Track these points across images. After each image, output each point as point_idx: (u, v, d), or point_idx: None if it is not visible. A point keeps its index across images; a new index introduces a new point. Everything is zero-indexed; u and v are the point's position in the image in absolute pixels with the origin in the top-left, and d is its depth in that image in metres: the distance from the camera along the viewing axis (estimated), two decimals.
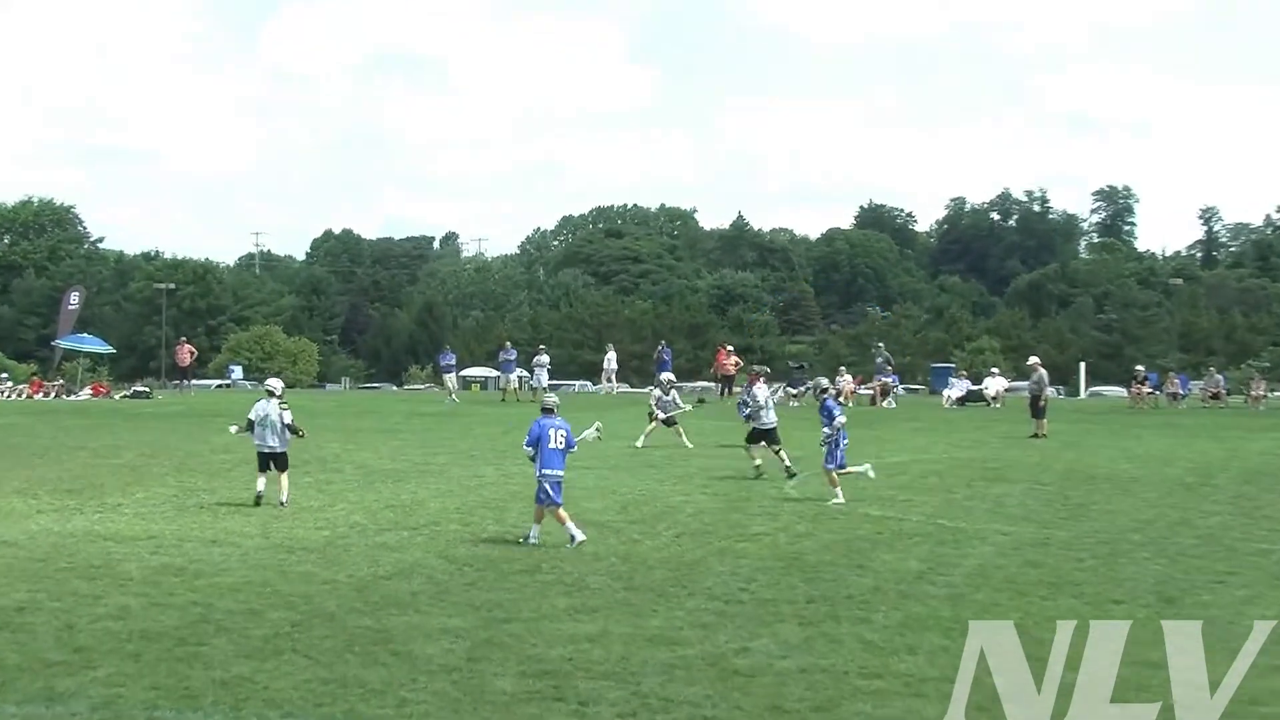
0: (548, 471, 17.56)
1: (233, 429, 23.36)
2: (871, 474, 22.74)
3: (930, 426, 39.00)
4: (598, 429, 22.03)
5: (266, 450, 21.61)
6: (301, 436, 22.88)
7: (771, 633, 12.37)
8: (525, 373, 52.34)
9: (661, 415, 31.62)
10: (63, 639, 11.98)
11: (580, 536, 17.37)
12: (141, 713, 9.82)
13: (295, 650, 11.59)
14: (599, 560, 16.36)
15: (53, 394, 58.60)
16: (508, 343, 55.66)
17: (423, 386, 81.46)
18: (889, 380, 53.34)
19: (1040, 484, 24.46)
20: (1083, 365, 73.41)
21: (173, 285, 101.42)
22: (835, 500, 21.64)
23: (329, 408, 48.73)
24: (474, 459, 28.40)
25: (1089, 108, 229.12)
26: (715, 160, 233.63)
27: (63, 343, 67.79)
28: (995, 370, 58.17)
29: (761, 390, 25.85)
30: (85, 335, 71.43)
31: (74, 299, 71.69)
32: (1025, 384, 41.83)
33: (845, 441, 22.53)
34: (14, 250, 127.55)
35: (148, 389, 60.94)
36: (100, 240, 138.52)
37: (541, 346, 56.32)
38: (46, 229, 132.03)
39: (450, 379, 54.94)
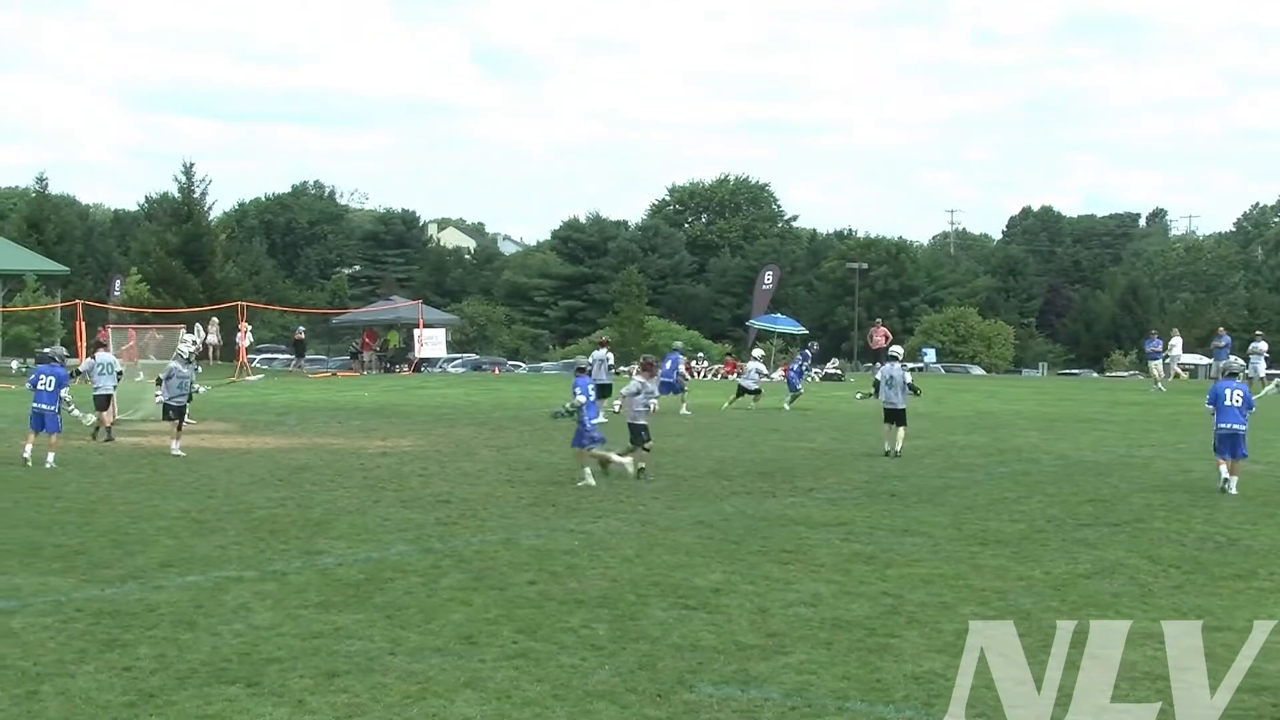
0: (1224, 426, 21.60)
1: (857, 396, 28.90)
2: (592, 481, 21.92)
3: None
4: None
5: (891, 407, 26.72)
6: (918, 394, 27.41)
7: None
8: (1240, 361, 49.90)
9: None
10: (756, 623, 12.56)
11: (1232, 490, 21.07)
12: (832, 702, 10.14)
13: (989, 648, 11.62)
14: None
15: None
16: (1221, 329, 53.57)
17: (1126, 374, 79.49)
18: None
19: None
20: None
21: (865, 265, 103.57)
22: (584, 481, 21.88)
23: (1023, 394, 48.57)
24: (1180, 451, 27.49)
25: None
26: None
27: (756, 323, 71.07)
28: None
29: (638, 382, 23.63)
30: (778, 315, 74.58)
31: (768, 278, 75.05)
32: None
33: (594, 419, 22.32)
34: (710, 229, 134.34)
35: (839, 370, 62.77)
36: (794, 218, 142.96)
37: (1258, 333, 53.73)
38: (742, 207, 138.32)
39: (1156, 366, 53.40)
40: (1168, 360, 53.49)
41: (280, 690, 10.28)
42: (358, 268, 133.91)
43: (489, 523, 18.33)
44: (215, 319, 61.17)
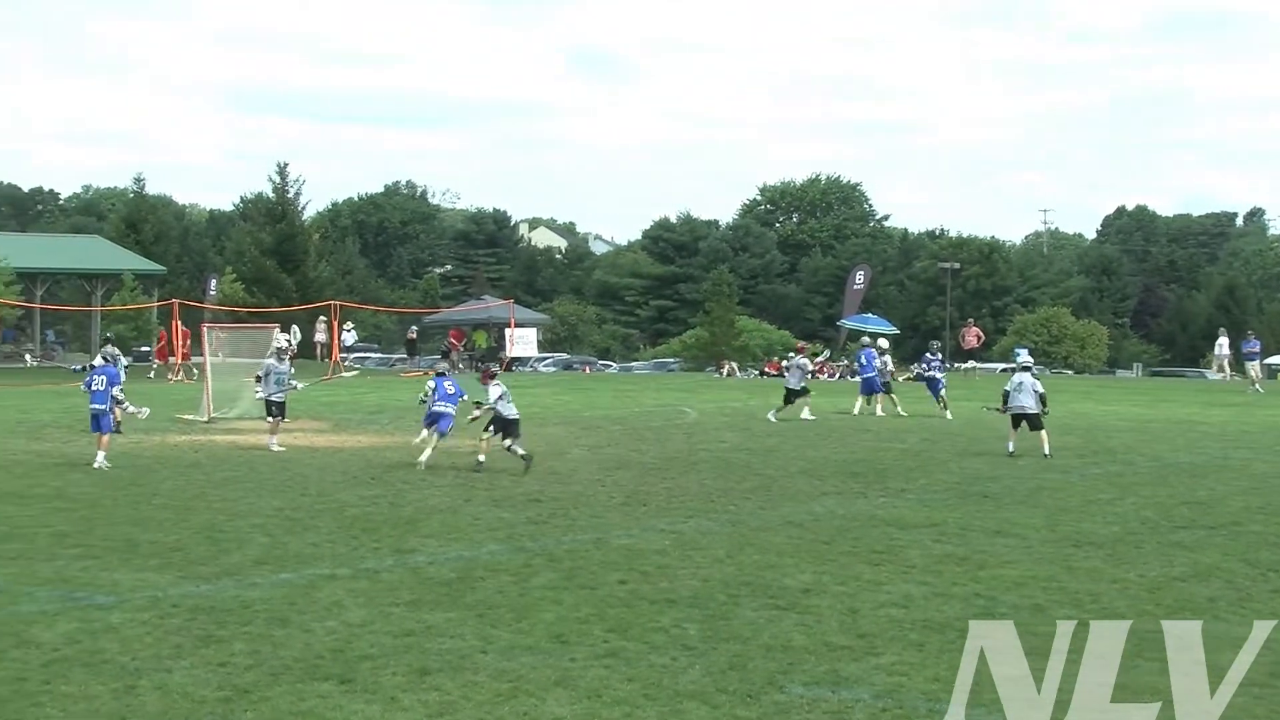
0: None
1: (988, 409, 28.74)
2: (104, 465, 23.59)
3: None
4: None
5: (1021, 412, 26.42)
6: (1046, 410, 26.99)
7: None
8: None
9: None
10: (846, 624, 12.52)
11: None
12: (924, 704, 10.09)
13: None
14: None
15: (836, 375, 61.32)
16: None
17: (1221, 375, 78.55)
18: None
19: None
20: None
21: (957, 265, 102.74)
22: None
23: (1118, 394, 48.06)
24: (1276, 454, 27.09)
25: None
26: None
27: (848, 323, 70.76)
28: None
29: (494, 390, 23.90)
30: (869, 315, 74.25)
31: (859, 278, 74.75)
32: None
33: (442, 401, 24.59)
34: (801, 229, 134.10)
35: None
36: (886, 218, 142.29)
37: None
38: (833, 207, 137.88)
39: (1254, 367, 52.69)
40: (1223, 358, 53.67)
41: (372, 687, 10.36)
42: (449, 267, 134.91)
43: (580, 522, 18.39)
44: (323, 318, 61.90)
